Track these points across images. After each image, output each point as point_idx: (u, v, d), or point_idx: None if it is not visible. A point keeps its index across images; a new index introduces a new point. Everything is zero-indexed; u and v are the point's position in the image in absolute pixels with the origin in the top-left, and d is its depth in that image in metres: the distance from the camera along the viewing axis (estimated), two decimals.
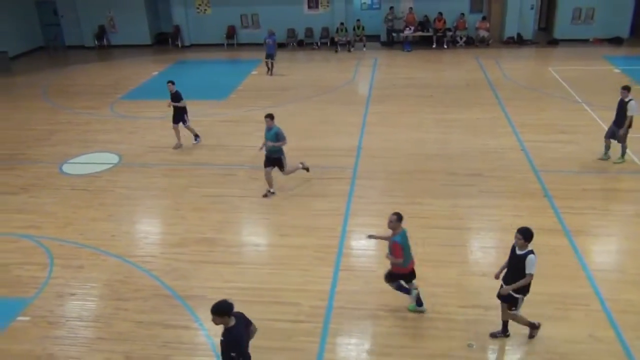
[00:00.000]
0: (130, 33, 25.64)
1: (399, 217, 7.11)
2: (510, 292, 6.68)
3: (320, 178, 11.78)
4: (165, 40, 25.84)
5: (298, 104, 16.89)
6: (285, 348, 7.14)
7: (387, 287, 7.67)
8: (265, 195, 11.09)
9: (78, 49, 25.88)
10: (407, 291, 7.59)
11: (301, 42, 24.90)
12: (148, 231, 10.30)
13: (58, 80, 20.94)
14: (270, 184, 11.14)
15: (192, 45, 25.39)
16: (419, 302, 7.60)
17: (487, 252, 8.95)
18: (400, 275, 7.44)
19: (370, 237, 7.74)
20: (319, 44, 24.68)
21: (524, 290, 6.68)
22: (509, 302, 6.79)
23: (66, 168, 12.93)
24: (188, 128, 13.70)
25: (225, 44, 24.98)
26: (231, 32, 25.07)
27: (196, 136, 13.89)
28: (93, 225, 10.36)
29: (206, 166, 12.69)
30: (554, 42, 23.54)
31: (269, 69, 20.15)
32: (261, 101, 17.24)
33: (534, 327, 7.08)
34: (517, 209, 10.27)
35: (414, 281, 7.54)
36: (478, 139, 13.59)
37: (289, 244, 9.44)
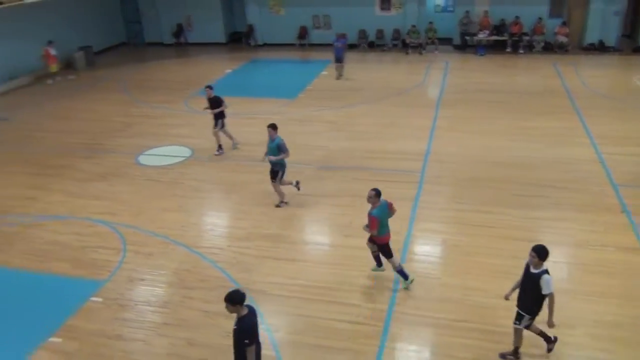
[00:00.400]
0: (206, 31, 26.41)
1: (377, 193, 7.78)
2: (520, 311, 6.55)
3: (386, 181, 11.68)
4: (239, 39, 26.45)
5: (367, 106, 16.85)
6: (345, 349, 7.14)
7: (450, 295, 7.52)
8: (278, 206, 10.86)
9: (157, 45, 26.91)
10: (404, 276, 8.21)
11: (372, 43, 24.83)
12: (215, 224, 10.57)
13: (137, 75, 21.86)
14: (281, 195, 10.89)
15: (264, 45, 25.84)
16: (379, 263, 8.59)
17: (559, 268, 8.58)
18: (380, 244, 8.10)
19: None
20: (390, 45, 24.53)
21: (534, 309, 6.46)
22: (520, 317, 6.60)
23: (142, 159, 13.48)
24: (216, 134, 13.42)
25: (297, 44, 25.28)
26: (303, 33, 25.33)
27: (219, 147, 13.55)
28: (164, 215, 10.75)
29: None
30: (639, 50, 22.32)
31: (340, 74, 19.95)
32: (330, 101, 17.33)
33: (550, 341, 6.86)
34: (592, 224, 9.80)
35: (394, 256, 8.17)
36: (552, 149, 13.07)
37: (352, 245, 9.42)
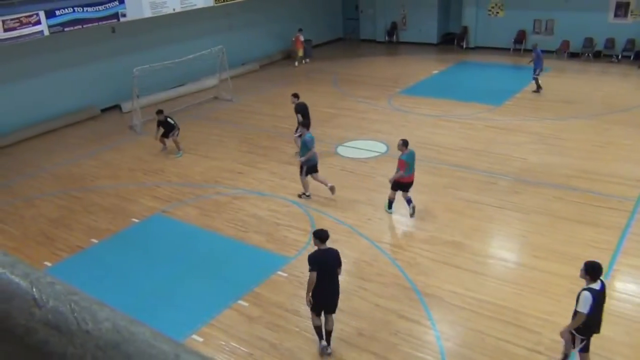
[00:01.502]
0: (419, 31, 26.53)
1: (404, 143, 10.09)
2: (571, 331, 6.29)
3: (592, 205, 10.60)
4: (451, 40, 26.06)
5: (580, 120, 15.40)
6: None
7: None
8: (299, 196, 11.51)
9: (370, 42, 27.80)
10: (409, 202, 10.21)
11: (598, 53, 22.53)
12: (400, 222, 10.63)
13: (348, 70, 22.86)
14: (304, 187, 11.44)
15: (476, 48, 25.10)
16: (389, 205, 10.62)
17: None
18: (402, 184, 10.20)
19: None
20: (619, 57, 22.01)
21: (584, 330, 6.18)
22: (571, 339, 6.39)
23: (340, 150, 14.12)
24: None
25: (511, 49, 24.07)
26: (520, 37, 24.02)
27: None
28: (353, 205, 11.13)
29: (468, 170, 12.50)
30: None
31: (538, 86, 18.17)
32: (538, 112, 16.21)
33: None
34: None
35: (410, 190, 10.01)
36: None
37: (541, 268, 8.75)
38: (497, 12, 24.60)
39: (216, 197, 11.94)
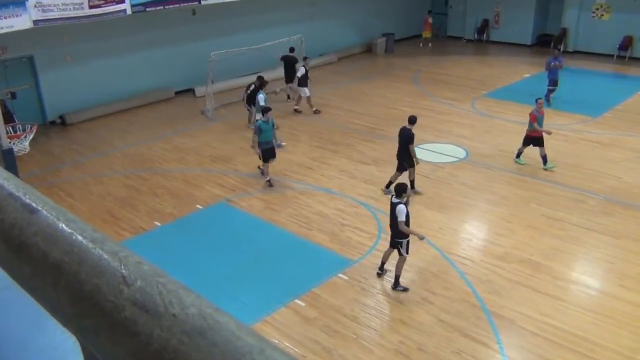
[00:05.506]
0: (512, 30, 25.72)
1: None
2: None
3: None
4: (547, 42, 25.06)
5: None
6: None
7: None
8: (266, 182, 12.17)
9: (457, 40, 27.27)
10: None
11: None
12: (474, 234, 10.40)
13: (431, 68, 22.54)
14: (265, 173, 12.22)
15: (575, 52, 24.05)
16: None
17: None
18: (535, 138, 12.36)
19: None
20: None
21: None
22: None
23: (418, 152, 13.92)
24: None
25: (615, 56, 22.89)
26: (627, 43, 22.78)
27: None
28: (423, 212, 10.97)
29: (555, 185, 12.02)
30: None
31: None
32: None
33: None
34: None
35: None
36: None
37: (628, 299, 8.30)
38: (602, 15, 23.45)
39: (283, 190, 12.11)
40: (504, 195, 11.62)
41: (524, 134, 12.86)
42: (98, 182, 12.84)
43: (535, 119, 12.53)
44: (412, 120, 11.33)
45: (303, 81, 16.73)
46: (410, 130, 11.23)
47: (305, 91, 16.83)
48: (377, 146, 14.38)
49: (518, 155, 13.07)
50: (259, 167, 12.77)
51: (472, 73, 21.56)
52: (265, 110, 12.19)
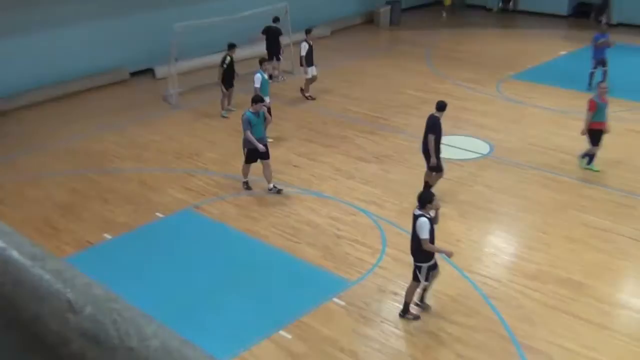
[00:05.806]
0: None
1: None
2: None
3: None
4: (586, 13, 25.23)
5: None
6: None
7: None
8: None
9: (478, 9, 27.38)
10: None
11: None
12: (500, 248, 10.36)
13: (445, 43, 22.59)
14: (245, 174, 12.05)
15: (619, 25, 24.17)
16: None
17: None
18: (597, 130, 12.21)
19: None
20: None
21: None
22: None
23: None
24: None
25: None
26: None
27: None
28: (440, 221, 10.88)
29: (600, 187, 12.04)
30: None
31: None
32: None
33: None
34: None
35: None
36: None
37: None
38: None
39: (263, 194, 12.01)
40: (536, 200, 11.61)
41: (585, 129, 12.38)
42: (34, 184, 12.69)
43: (596, 106, 12.21)
44: (441, 106, 11.25)
45: (309, 59, 16.68)
46: (437, 118, 11.15)
47: (312, 70, 16.83)
48: (379, 139, 14.33)
49: (590, 160, 12.55)
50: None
51: (497, 50, 21.63)
52: (255, 100, 11.86)
